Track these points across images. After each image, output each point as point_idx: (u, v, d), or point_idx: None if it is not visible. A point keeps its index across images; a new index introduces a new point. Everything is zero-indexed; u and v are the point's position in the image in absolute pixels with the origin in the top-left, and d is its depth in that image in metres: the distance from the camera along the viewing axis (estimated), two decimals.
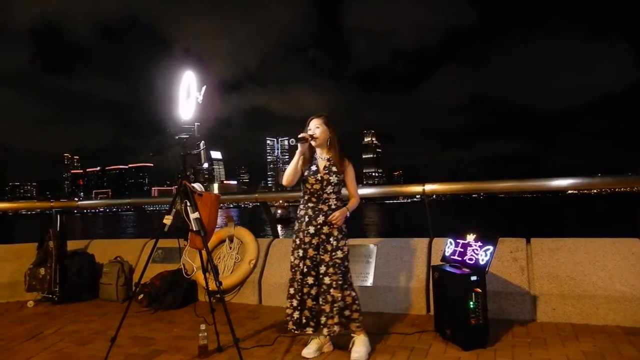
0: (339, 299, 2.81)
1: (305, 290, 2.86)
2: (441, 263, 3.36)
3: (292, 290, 2.91)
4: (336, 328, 2.79)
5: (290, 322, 2.88)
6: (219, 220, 3.28)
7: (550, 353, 2.78)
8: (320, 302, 2.83)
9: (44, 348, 3.26)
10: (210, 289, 3.34)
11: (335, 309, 2.80)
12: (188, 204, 2.89)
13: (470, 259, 3.09)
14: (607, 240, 3.55)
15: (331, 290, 2.80)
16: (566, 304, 3.39)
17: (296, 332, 2.89)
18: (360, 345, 2.83)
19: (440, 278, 3.18)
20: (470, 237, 3.17)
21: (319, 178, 2.90)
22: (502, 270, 3.64)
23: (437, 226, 4.19)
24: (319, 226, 2.87)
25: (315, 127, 2.92)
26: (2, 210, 6.55)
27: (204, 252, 2.94)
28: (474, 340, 2.91)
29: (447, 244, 3.39)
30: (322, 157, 2.97)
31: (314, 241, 2.87)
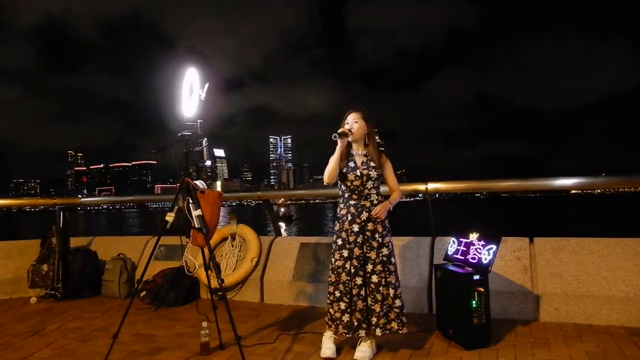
0: (392, 296, 2.78)
1: (354, 291, 2.78)
2: (444, 262, 3.34)
3: (337, 293, 2.81)
4: (395, 326, 2.77)
5: (341, 326, 2.79)
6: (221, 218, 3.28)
7: (553, 353, 2.76)
8: (370, 302, 2.77)
9: (46, 344, 3.27)
10: (212, 286, 3.34)
11: (386, 306, 2.77)
12: (190, 201, 2.89)
13: (473, 258, 3.07)
14: (611, 240, 3.53)
15: (381, 288, 2.76)
16: (569, 304, 3.38)
17: (348, 335, 2.80)
18: (366, 346, 2.80)
19: (443, 277, 3.17)
20: (473, 236, 3.16)
21: (359, 174, 2.85)
22: (505, 269, 3.63)
23: (440, 225, 4.18)
24: (363, 223, 2.82)
25: (354, 122, 2.87)
26: (6, 207, 6.58)
27: (206, 250, 2.93)
28: (477, 339, 2.90)
29: (449, 242, 3.37)
30: (358, 153, 2.91)
31: (359, 239, 2.81)
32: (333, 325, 2.83)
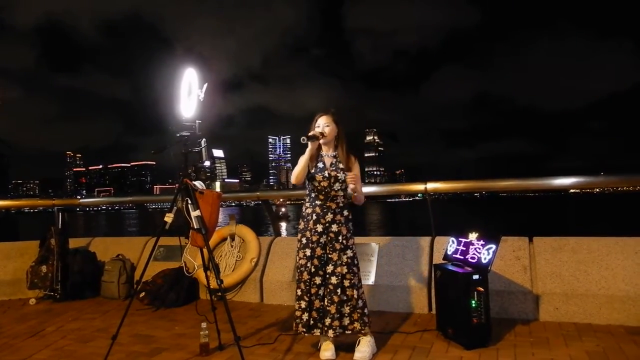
0: (355, 297, 2.79)
1: (313, 290, 2.81)
2: (443, 262, 3.34)
3: (299, 292, 2.86)
4: (358, 326, 2.78)
5: (300, 325, 2.83)
6: (220, 218, 3.27)
7: (553, 353, 2.76)
8: (326, 303, 2.79)
9: (45, 345, 3.26)
10: (211, 287, 3.34)
11: (348, 308, 2.78)
12: (189, 201, 2.88)
13: (473, 258, 3.07)
14: (611, 239, 3.53)
15: (339, 290, 2.77)
16: (569, 303, 3.38)
17: (306, 334, 2.84)
18: (365, 346, 2.80)
19: (443, 277, 3.17)
20: (473, 236, 3.16)
21: (327, 175, 2.87)
22: (505, 269, 3.63)
23: (440, 225, 4.18)
24: (327, 224, 2.84)
25: (325, 125, 2.89)
26: (5, 208, 6.57)
27: (205, 250, 2.93)
28: (476, 339, 2.90)
29: (449, 242, 3.37)
30: (328, 155, 2.94)
31: (321, 240, 2.84)
32: (294, 323, 2.87)
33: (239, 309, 4.10)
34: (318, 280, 2.82)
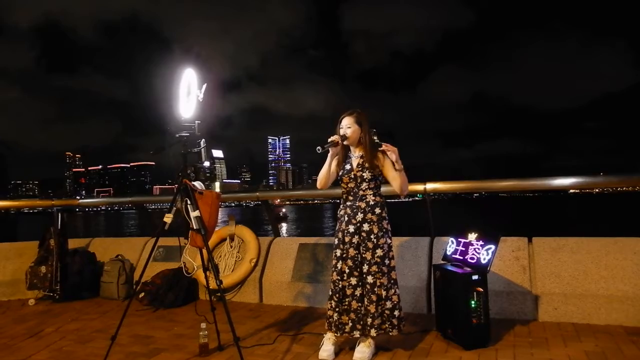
0: (383, 297, 2.78)
1: (348, 292, 2.81)
2: (442, 262, 3.34)
3: (330, 292, 2.87)
4: (388, 327, 2.77)
5: (333, 325, 2.82)
6: (220, 219, 3.27)
7: (552, 353, 2.76)
8: (366, 303, 2.78)
9: (44, 346, 3.26)
10: (211, 287, 3.34)
11: (380, 308, 2.77)
12: (189, 202, 2.88)
13: (472, 258, 3.07)
14: (610, 239, 3.53)
15: (375, 289, 2.77)
16: (568, 303, 3.38)
17: (337, 335, 2.83)
18: (365, 346, 2.80)
19: (442, 277, 3.17)
20: (472, 236, 3.16)
21: (352, 176, 2.89)
22: (504, 269, 3.63)
23: (439, 225, 4.18)
24: (358, 224, 2.84)
25: (347, 127, 2.90)
26: (4, 208, 6.56)
27: (204, 251, 2.93)
28: (476, 339, 2.90)
29: (448, 243, 3.37)
30: (355, 155, 2.95)
31: (354, 240, 2.84)
32: (326, 324, 2.87)
33: (239, 309, 4.10)
34: (354, 281, 2.80)
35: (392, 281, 2.86)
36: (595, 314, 3.30)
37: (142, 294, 4.33)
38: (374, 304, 2.76)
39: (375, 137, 2.94)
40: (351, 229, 2.85)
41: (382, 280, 2.80)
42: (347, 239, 2.85)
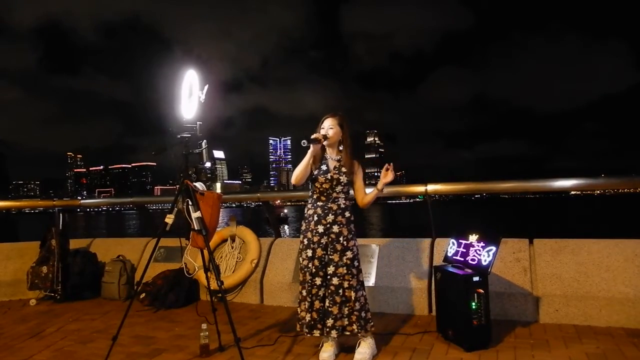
0: (353, 299, 2.78)
1: (313, 291, 2.81)
2: (443, 263, 3.34)
3: (304, 292, 2.85)
4: (355, 328, 2.77)
5: (304, 325, 2.82)
6: (221, 219, 3.28)
7: (553, 355, 2.76)
8: (327, 304, 2.78)
9: (45, 346, 3.27)
10: (211, 288, 3.34)
11: (347, 309, 2.77)
12: (190, 203, 2.89)
13: (473, 260, 3.07)
14: (611, 241, 3.53)
15: (341, 291, 2.77)
16: (569, 305, 3.37)
17: (308, 334, 2.83)
18: (365, 347, 2.81)
19: (443, 278, 3.17)
20: (473, 238, 3.16)
21: (329, 177, 2.87)
22: (505, 271, 3.63)
23: (440, 226, 4.18)
24: (328, 225, 2.84)
25: (329, 128, 2.89)
26: (6, 209, 6.58)
27: (205, 252, 2.94)
28: (476, 341, 2.90)
29: (449, 244, 3.37)
30: (332, 157, 2.94)
31: (322, 240, 2.83)
32: (298, 324, 2.87)
33: (239, 310, 4.11)
34: (318, 281, 2.81)
35: (360, 283, 2.87)
36: (596, 316, 3.29)
37: (143, 294, 4.33)
38: (337, 305, 2.76)
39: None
40: (320, 229, 2.84)
41: (352, 282, 2.80)
42: (315, 239, 2.85)
